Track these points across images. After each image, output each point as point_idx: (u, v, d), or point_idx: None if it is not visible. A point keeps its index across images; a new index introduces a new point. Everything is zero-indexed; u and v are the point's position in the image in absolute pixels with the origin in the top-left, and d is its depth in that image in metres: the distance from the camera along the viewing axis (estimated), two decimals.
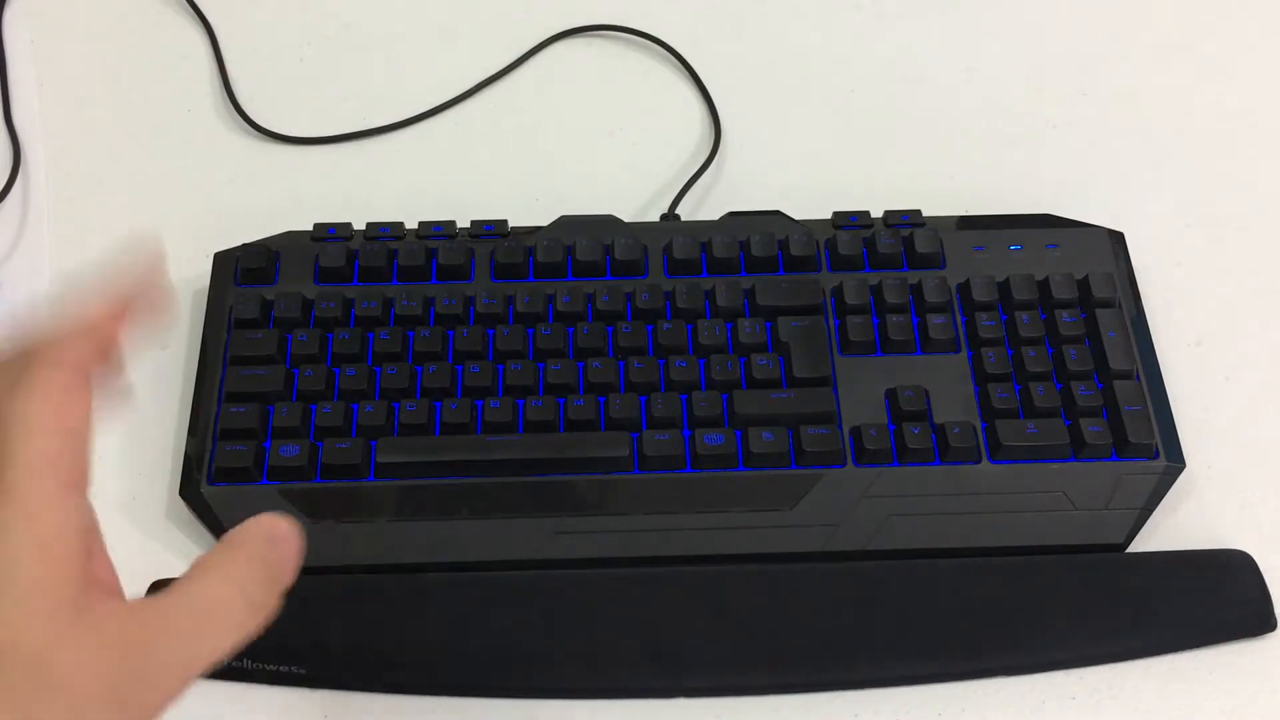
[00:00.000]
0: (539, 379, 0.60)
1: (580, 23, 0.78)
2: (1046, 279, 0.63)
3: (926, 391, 0.60)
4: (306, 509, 0.57)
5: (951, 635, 0.55)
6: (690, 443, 0.59)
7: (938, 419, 0.59)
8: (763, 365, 0.60)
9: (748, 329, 0.61)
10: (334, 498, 0.57)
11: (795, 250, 0.64)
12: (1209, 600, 0.56)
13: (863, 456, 0.58)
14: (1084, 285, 0.63)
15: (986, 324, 0.62)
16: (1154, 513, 0.58)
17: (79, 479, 0.34)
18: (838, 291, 0.63)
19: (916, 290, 0.63)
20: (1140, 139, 0.73)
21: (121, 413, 0.62)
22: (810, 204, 0.67)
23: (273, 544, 0.36)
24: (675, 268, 0.64)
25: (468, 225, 0.65)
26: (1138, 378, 0.60)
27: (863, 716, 0.54)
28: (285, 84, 0.76)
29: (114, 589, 0.37)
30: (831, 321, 0.62)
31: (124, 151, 0.72)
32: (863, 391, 0.60)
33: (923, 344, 0.62)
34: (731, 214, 0.67)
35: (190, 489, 0.58)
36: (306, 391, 0.60)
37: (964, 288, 0.63)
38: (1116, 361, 0.60)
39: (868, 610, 0.55)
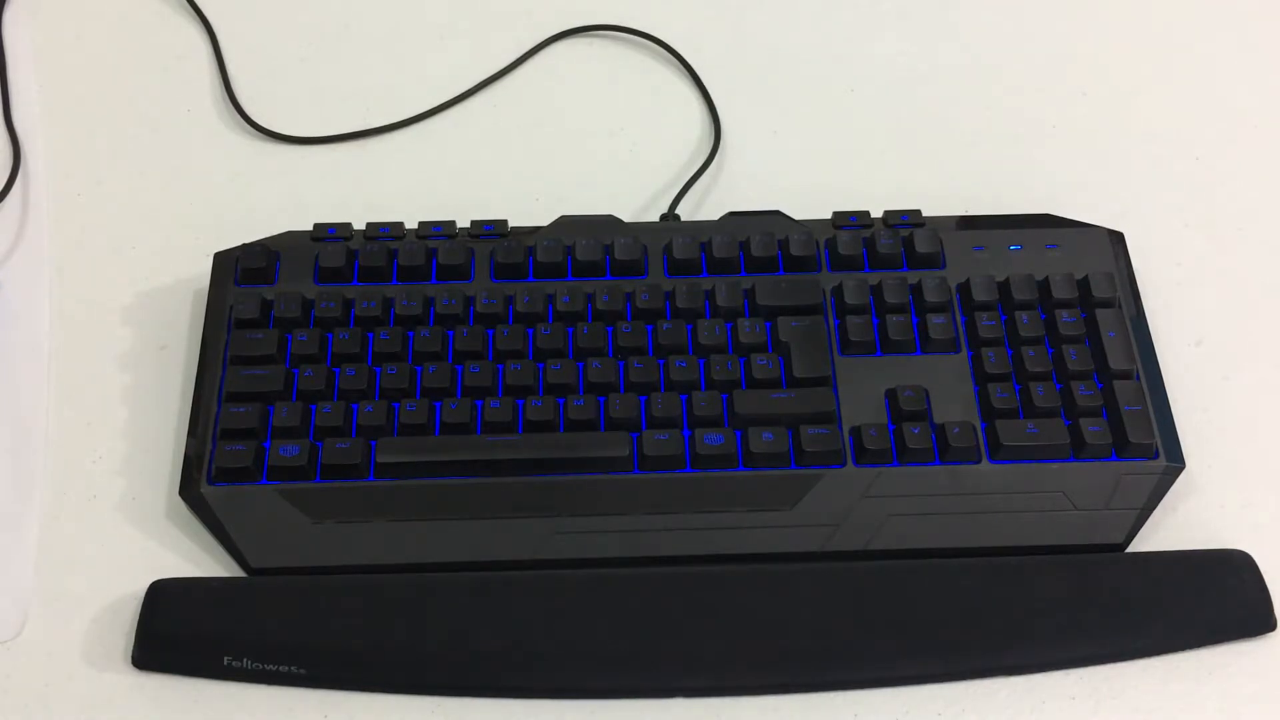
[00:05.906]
0: (539, 379, 0.60)
1: (580, 23, 0.78)
2: (1046, 279, 0.63)
3: (926, 391, 0.60)
4: (306, 509, 0.57)
5: (951, 635, 0.55)
6: (690, 443, 0.59)
7: (938, 419, 0.59)
8: (763, 365, 0.60)
9: (748, 329, 0.61)
10: (334, 498, 0.57)
11: (795, 250, 0.64)
12: (1209, 600, 0.56)
13: (863, 456, 0.58)
14: (1084, 285, 0.63)
15: (986, 324, 0.62)
16: (1154, 513, 0.58)
17: None
18: (838, 291, 0.63)
19: (916, 290, 0.63)
20: (1140, 139, 0.73)
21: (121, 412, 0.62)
22: (810, 204, 0.67)
23: None
24: (675, 268, 0.64)
25: (468, 225, 0.65)
26: (1138, 378, 0.60)
27: (863, 716, 0.54)
28: (285, 84, 0.76)
29: None
30: (831, 321, 0.62)
31: (124, 151, 0.72)
32: (863, 391, 0.60)
33: (923, 344, 0.62)
34: (731, 214, 0.67)
35: (190, 489, 0.58)
36: (306, 391, 0.60)
37: (964, 288, 0.63)
38: (1116, 361, 0.60)
39: (868, 610, 0.55)
